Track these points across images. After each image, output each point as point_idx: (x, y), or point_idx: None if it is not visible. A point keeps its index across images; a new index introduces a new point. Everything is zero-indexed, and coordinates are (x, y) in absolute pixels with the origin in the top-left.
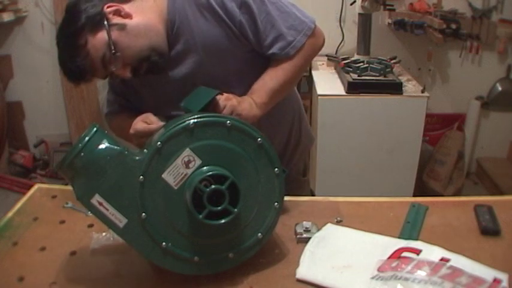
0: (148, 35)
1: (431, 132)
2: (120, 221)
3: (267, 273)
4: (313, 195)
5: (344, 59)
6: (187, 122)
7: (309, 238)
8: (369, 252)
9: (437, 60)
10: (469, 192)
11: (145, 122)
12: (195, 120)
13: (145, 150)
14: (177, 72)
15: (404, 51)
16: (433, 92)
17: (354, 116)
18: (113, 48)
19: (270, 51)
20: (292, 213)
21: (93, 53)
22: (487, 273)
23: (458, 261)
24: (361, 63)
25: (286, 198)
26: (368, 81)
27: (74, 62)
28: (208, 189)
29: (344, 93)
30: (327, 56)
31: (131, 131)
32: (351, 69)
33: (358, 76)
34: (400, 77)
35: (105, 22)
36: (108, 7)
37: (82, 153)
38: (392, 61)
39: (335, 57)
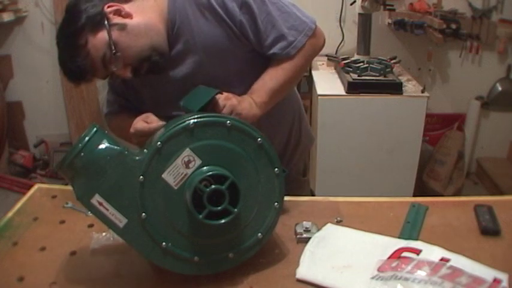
0: (149, 35)
1: (431, 132)
2: (120, 221)
3: (267, 273)
4: (313, 195)
5: (344, 59)
6: (187, 122)
7: (309, 238)
8: (369, 252)
9: (437, 60)
10: (469, 192)
11: (146, 121)
12: (195, 120)
13: (145, 150)
14: (177, 72)
15: (404, 51)
16: (433, 92)
17: (354, 116)
18: (113, 48)
19: (271, 51)
20: (292, 213)
21: (94, 53)
22: (487, 273)
23: (458, 261)
24: (361, 63)
25: (286, 198)
26: (368, 81)
27: (74, 62)
28: (208, 189)
29: (344, 93)
30: (327, 56)
31: (131, 130)
32: (351, 69)
33: (358, 76)
34: (400, 77)
35: (106, 22)
36: (108, 7)
37: (82, 153)
38: (392, 61)
39: (335, 57)
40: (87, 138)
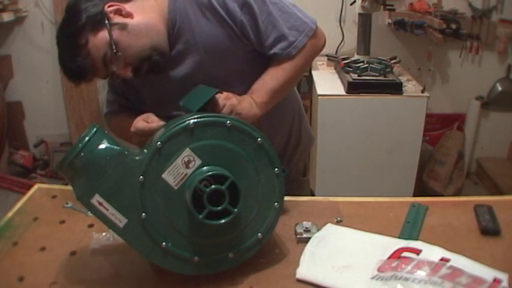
0: (149, 35)
1: (431, 132)
2: (120, 221)
3: (267, 273)
4: (313, 195)
5: (344, 59)
6: (187, 122)
7: (309, 238)
8: (369, 252)
9: (437, 60)
10: (469, 192)
11: (146, 121)
12: (195, 120)
13: (145, 150)
14: (177, 72)
15: (404, 51)
16: (433, 92)
17: (354, 116)
18: (114, 47)
19: (272, 52)
20: (292, 213)
21: (94, 53)
22: (487, 273)
23: (458, 261)
24: (361, 63)
25: (286, 198)
26: (368, 81)
27: (75, 62)
28: (208, 189)
29: (344, 93)
30: (327, 56)
31: (132, 129)
32: (351, 69)
33: (358, 76)
34: (400, 77)
35: (106, 21)
36: (109, 6)
37: (82, 153)
38: (392, 61)
39: (335, 57)
40: (87, 138)
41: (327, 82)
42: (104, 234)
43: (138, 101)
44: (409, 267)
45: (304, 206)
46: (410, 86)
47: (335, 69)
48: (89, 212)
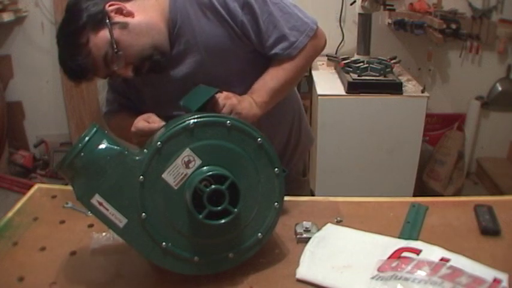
0: (150, 34)
1: (431, 132)
2: (120, 221)
3: (267, 273)
4: (313, 195)
5: (344, 59)
6: (187, 122)
7: (309, 238)
8: (369, 252)
9: (437, 60)
10: (469, 192)
11: (147, 121)
12: (195, 120)
13: (145, 150)
14: (178, 72)
15: (404, 51)
16: (433, 92)
17: (354, 116)
18: (115, 46)
19: (272, 52)
20: (292, 213)
21: (95, 52)
22: (487, 273)
23: (458, 261)
24: (361, 63)
25: (286, 198)
26: (368, 81)
27: (75, 61)
28: (208, 189)
29: (344, 93)
30: (327, 56)
31: (132, 128)
32: (351, 69)
33: (358, 76)
34: (400, 77)
35: (107, 20)
36: (110, 5)
37: (82, 153)
38: (392, 61)
39: (335, 57)
40: (87, 138)
41: (327, 82)
42: (104, 234)
43: (138, 100)
44: (409, 267)
45: (304, 206)
46: (410, 86)
47: (335, 69)
48: (89, 212)
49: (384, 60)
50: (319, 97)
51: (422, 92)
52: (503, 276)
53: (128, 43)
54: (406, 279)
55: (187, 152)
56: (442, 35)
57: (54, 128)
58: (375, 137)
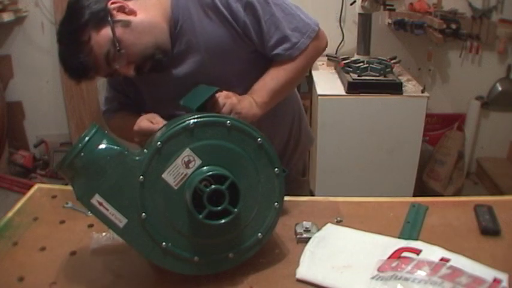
0: (152, 32)
1: (431, 132)
2: (120, 221)
3: (267, 273)
4: (312, 195)
5: (344, 59)
6: (187, 122)
7: (309, 238)
8: (369, 252)
9: (437, 60)
10: (469, 192)
11: (151, 121)
12: (195, 120)
13: (145, 150)
14: (179, 71)
15: (404, 51)
16: (433, 92)
17: (354, 116)
18: (117, 45)
19: (274, 52)
20: (292, 213)
21: (97, 50)
22: (487, 273)
23: (458, 261)
24: (361, 63)
25: (286, 198)
26: (368, 81)
27: (77, 59)
28: (208, 189)
29: (344, 93)
30: (327, 56)
31: (135, 127)
32: (351, 69)
33: (358, 76)
34: (400, 77)
35: (110, 18)
36: (112, 3)
37: (82, 153)
38: (392, 61)
39: (335, 57)
40: (87, 138)
41: (327, 82)
42: (104, 234)
43: (138, 99)
44: (409, 267)
45: (304, 206)
46: (410, 86)
47: (335, 69)
48: (89, 212)
49: (384, 60)
50: (319, 97)
51: (422, 92)
52: (503, 276)
53: (130, 41)
54: (406, 279)
55: (187, 152)
56: (442, 35)
57: (54, 128)
58: (375, 137)
